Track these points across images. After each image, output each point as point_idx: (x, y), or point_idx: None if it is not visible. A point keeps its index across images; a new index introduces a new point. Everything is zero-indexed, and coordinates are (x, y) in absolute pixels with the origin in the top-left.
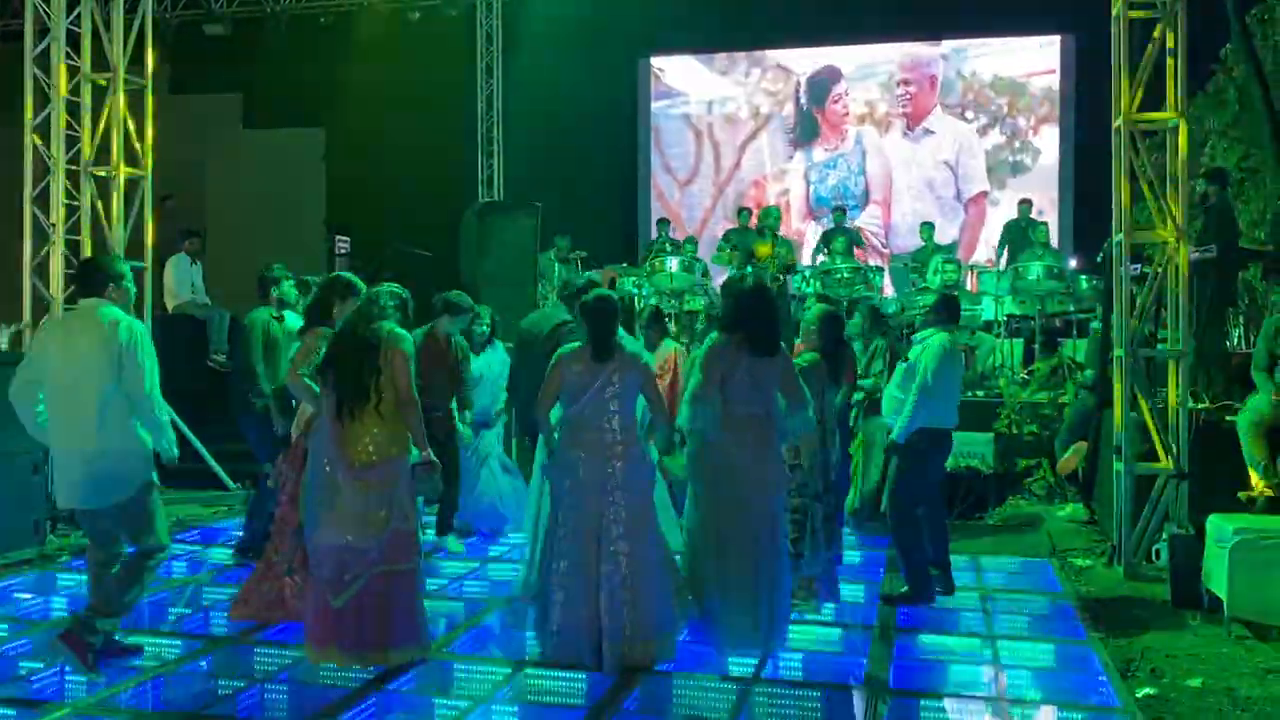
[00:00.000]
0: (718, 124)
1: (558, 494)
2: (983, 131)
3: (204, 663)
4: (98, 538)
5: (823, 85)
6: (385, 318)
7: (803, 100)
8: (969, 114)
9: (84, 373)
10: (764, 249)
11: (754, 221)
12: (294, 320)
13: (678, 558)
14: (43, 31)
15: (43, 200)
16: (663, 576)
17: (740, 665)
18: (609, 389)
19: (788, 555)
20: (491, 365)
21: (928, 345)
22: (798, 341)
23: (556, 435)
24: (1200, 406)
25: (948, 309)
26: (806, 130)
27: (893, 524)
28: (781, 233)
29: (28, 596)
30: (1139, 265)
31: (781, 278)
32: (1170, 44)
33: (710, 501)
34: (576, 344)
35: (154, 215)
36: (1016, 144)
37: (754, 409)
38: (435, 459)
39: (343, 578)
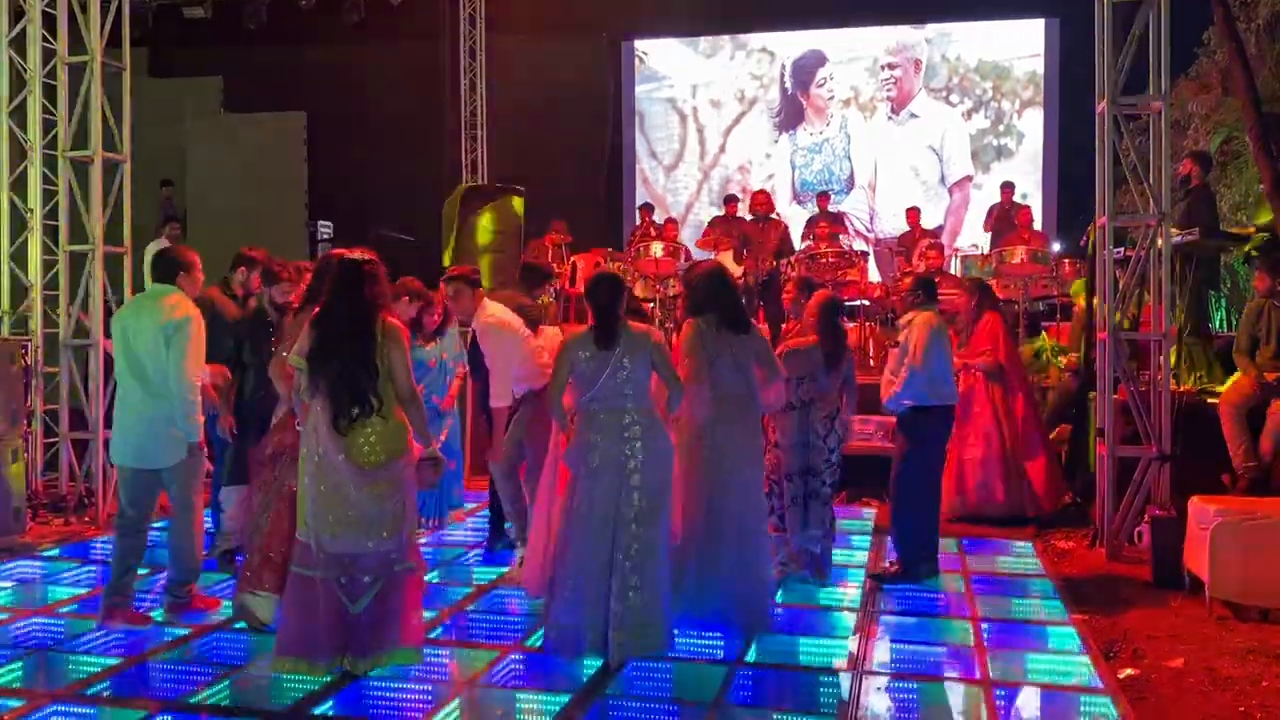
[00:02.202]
0: (702, 108)
1: (572, 481)
2: (967, 115)
3: (182, 650)
4: (133, 499)
5: (807, 69)
6: (381, 307)
7: (787, 84)
8: (953, 98)
9: (143, 348)
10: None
11: (735, 208)
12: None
13: None
14: (18, 13)
15: (19, 186)
16: (665, 563)
17: (726, 647)
18: (621, 373)
19: (767, 534)
20: (445, 351)
21: (914, 323)
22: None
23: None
24: (1182, 389)
25: (926, 290)
26: (791, 114)
27: (895, 502)
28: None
29: (9, 585)
30: (1122, 249)
31: (775, 263)
32: (1154, 28)
33: (699, 481)
34: (582, 329)
35: (157, 201)
36: (1001, 128)
37: (737, 388)
38: (439, 454)
39: (363, 580)
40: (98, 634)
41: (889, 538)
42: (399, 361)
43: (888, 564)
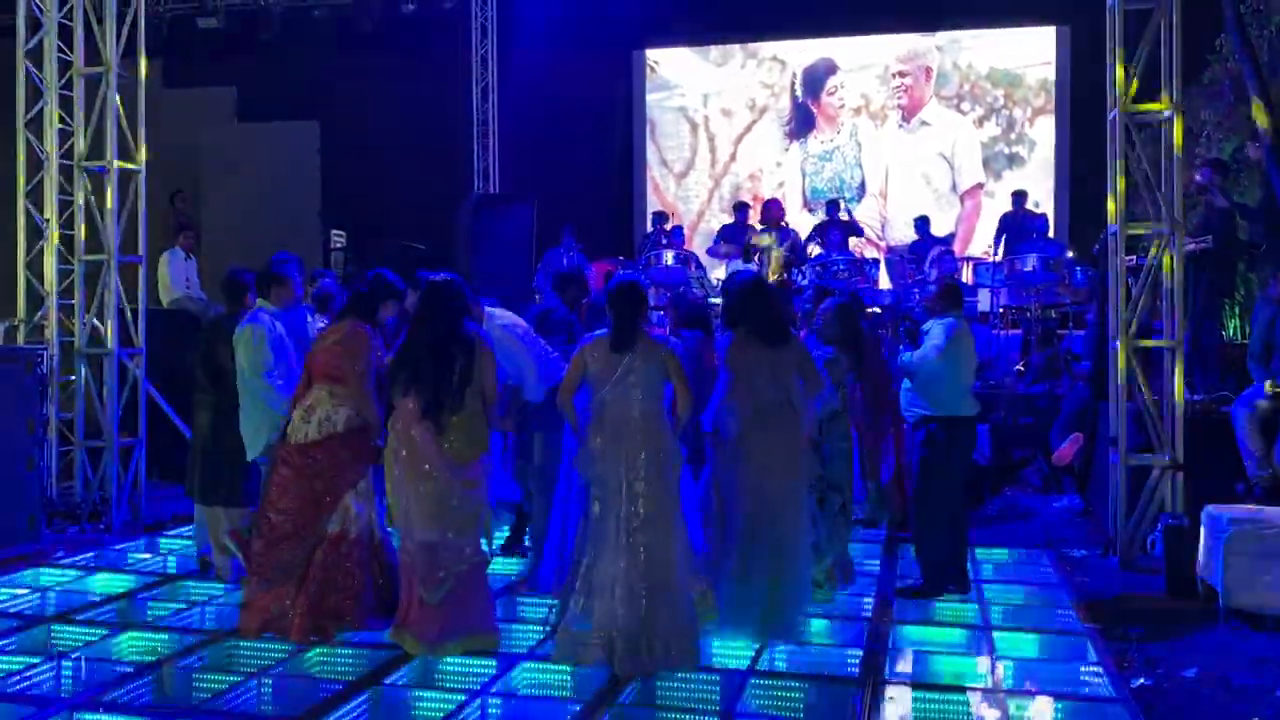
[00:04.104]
0: (713, 116)
1: (583, 485)
2: (979, 123)
3: (198, 658)
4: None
5: (818, 77)
6: (462, 316)
7: (798, 92)
8: (965, 106)
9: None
10: (764, 240)
11: (746, 216)
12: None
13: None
14: (35, 25)
15: (36, 196)
16: (684, 574)
17: (737, 658)
18: (630, 377)
19: (809, 546)
20: None
21: (932, 332)
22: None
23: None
24: (1196, 398)
25: (950, 297)
26: (802, 123)
27: (914, 515)
28: (782, 225)
29: (23, 592)
30: (1134, 256)
31: (785, 274)
32: (1165, 35)
33: (737, 494)
34: (601, 332)
35: (170, 210)
36: (1012, 135)
37: (778, 398)
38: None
39: (436, 574)
40: (112, 640)
41: (909, 548)
42: (490, 369)
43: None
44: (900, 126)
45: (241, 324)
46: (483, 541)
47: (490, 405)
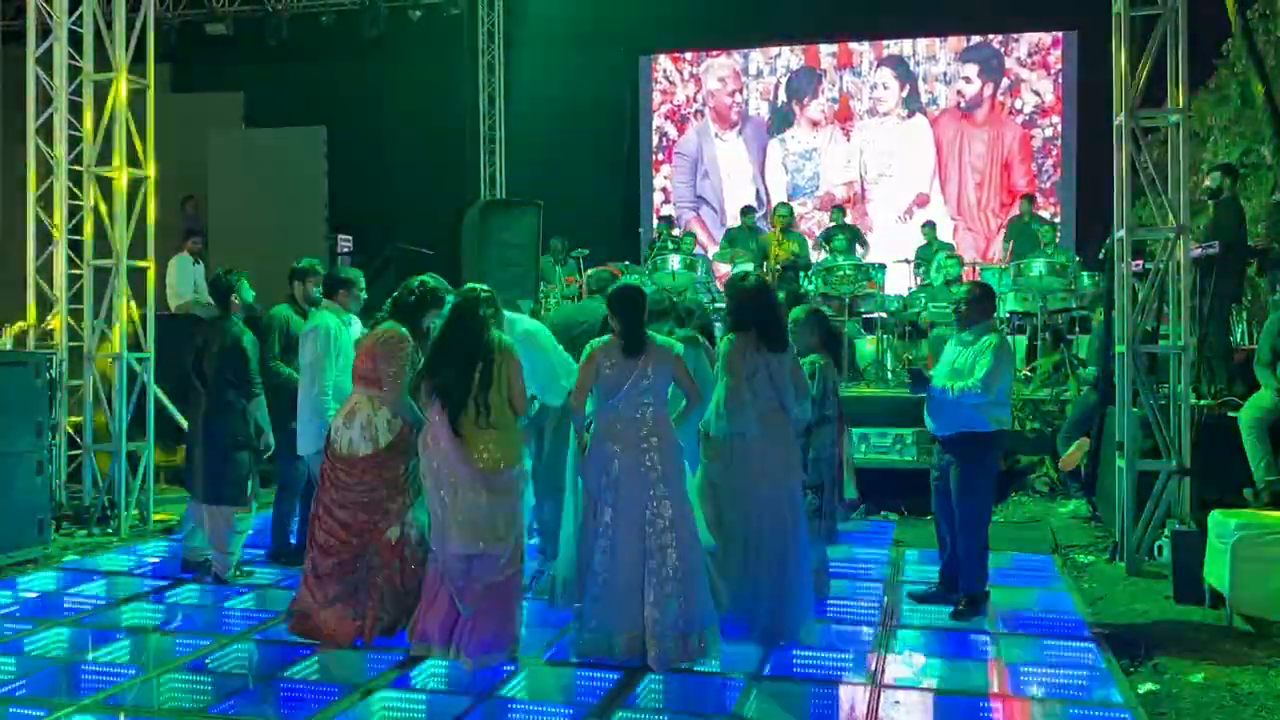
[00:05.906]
0: (718, 120)
1: (591, 490)
2: (985, 127)
3: (208, 661)
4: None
5: (821, 81)
6: (490, 325)
7: (803, 96)
8: (970, 109)
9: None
10: (777, 247)
11: (753, 219)
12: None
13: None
14: (45, 31)
15: (46, 201)
16: (704, 569)
17: (744, 660)
18: (643, 382)
19: (808, 545)
20: None
21: (985, 345)
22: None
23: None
24: (1202, 403)
25: (987, 301)
26: (806, 126)
27: (971, 527)
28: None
29: (32, 595)
30: (1141, 261)
31: (784, 271)
32: (1171, 40)
33: (736, 498)
34: (606, 337)
35: (179, 215)
36: (1018, 139)
37: (772, 404)
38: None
39: (473, 586)
40: (122, 644)
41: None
42: (517, 378)
43: (933, 587)
44: (905, 130)
45: (315, 324)
46: (522, 549)
47: (520, 415)
